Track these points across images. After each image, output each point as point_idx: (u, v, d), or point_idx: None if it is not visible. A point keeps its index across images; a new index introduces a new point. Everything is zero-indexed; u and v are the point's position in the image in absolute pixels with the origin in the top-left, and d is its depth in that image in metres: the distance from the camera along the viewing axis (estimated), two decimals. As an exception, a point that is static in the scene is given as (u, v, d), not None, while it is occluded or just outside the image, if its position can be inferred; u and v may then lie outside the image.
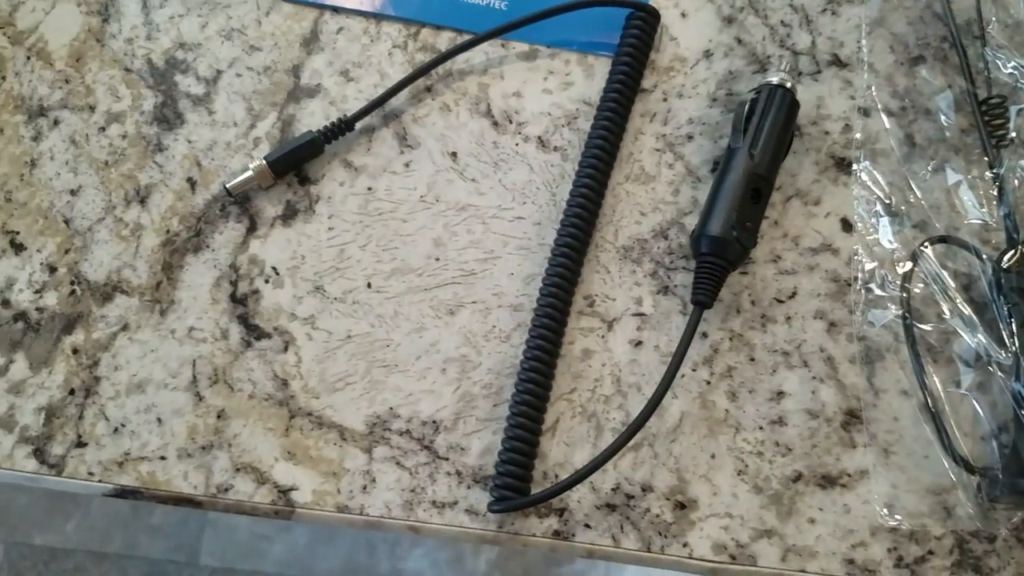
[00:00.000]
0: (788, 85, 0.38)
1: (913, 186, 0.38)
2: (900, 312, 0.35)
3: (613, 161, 0.39)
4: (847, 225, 0.38)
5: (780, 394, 0.36)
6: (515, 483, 0.34)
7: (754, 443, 0.35)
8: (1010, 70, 0.39)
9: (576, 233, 0.37)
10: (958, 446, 0.33)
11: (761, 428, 0.35)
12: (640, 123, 0.40)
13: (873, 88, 0.39)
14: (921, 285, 0.36)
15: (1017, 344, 0.33)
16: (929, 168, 0.38)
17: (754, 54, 0.41)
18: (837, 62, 0.41)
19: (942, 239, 0.36)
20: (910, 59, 0.40)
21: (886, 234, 0.37)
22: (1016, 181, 0.37)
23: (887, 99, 0.40)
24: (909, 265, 0.36)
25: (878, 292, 0.36)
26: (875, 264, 0.36)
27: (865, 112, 0.39)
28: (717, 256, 0.36)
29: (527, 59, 0.42)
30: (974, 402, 0.33)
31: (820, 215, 0.38)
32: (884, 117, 0.39)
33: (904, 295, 0.35)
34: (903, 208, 0.37)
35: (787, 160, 0.39)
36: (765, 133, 0.37)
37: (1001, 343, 0.34)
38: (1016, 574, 0.33)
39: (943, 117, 0.39)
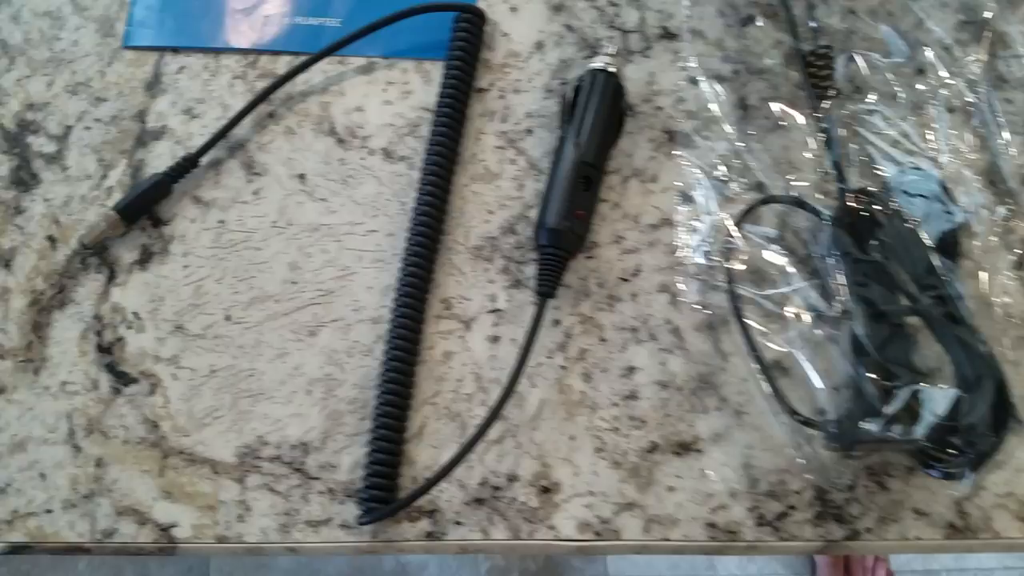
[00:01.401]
0: (609, 69, 0.38)
1: (748, 149, 0.39)
2: (731, 278, 0.36)
3: (454, 164, 0.40)
4: (686, 197, 0.39)
5: (631, 369, 0.37)
6: (381, 493, 0.35)
7: (610, 420, 0.36)
8: (838, 19, 0.40)
9: (423, 240, 0.38)
10: (794, 402, 0.34)
11: (616, 405, 0.36)
12: (480, 123, 0.41)
13: (699, 57, 0.40)
14: (761, 247, 0.37)
15: (845, 296, 0.34)
16: (764, 129, 0.39)
17: (585, 39, 0.42)
18: (667, 35, 0.41)
19: (768, 200, 0.37)
20: (740, 21, 0.41)
21: (720, 201, 0.38)
22: (843, 130, 0.37)
23: (718, 65, 0.40)
24: (735, 231, 0.37)
25: (714, 260, 0.37)
26: (706, 232, 0.37)
27: (694, 81, 0.40)
28: (554, 247, 0.37)
29: (365, 73, 0.43)
30: (802, 357, 0.34)
31: (658, 191, 0.39)
32: (715, 84, 0.40)
33: (726, 262, 0.36)
34: (738, 173, 0.38)
35: (623, 141, 0.40)
36: (590, 120, 0.38)
37: (831, 296, 0.35)
38: (878, 518, 0.34)
39: (775, 76, 0.40)
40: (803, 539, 0.34)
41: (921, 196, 0.34)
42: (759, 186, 0.38)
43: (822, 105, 0.37)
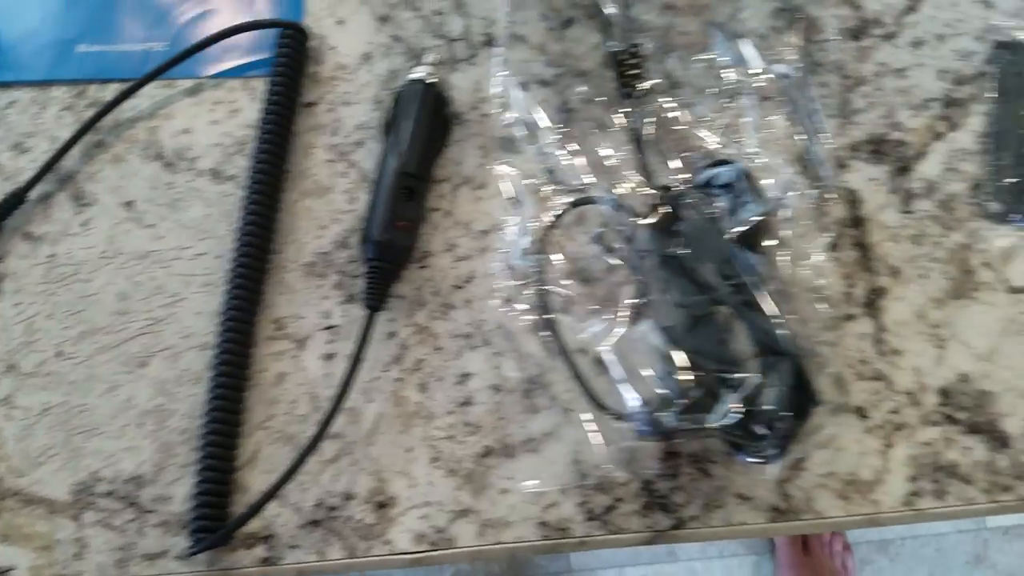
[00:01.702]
0: (427, 79, 0.38)
1: (570, 152, 0.39)
2: (549, 279, 0.36)
3: (280, 181, 0.39)
4: (513, 202, 0.39)
5: (466, 376, 0.37)
6: (210, 523, 0.34)
7: (446, 428, 0.36)
8: (656, 15, 0.40)
9: (247, 260, 0.38)
10: (620, 396, 0.34)
11: (451, 413, 0.36)
12: (311, 137, 0.41)
13: (522, 62, 0.40)
14: (580, 248, 0.37)
15: (654, 292, 0.34)
16: (586, 131, 0.39)
17: (411, 49, 0.42)
18: (491, 42, 0.41)
19: (580, 202, 0.37)
20: (561, 24, 0.41)
21: (543, 205, 0.38)
22: (654, 128, 0.38)
23: (541, 69, 0.41)
24: (554, 233, 0.37)
25: (536, 263, 0.37)
26: (529, 236, 0.37)
27: (519, 86, 0.40)
28: (379, 259, 0.37)
29: (193, 94, 0.42)
30: (618, 353, 0.35)
31: (487, 197, 0.39)
32: (538, 88, 0.40)
33: (542, 265, 0.36)
34: (562, 175, 0.38)
35: (452, 149, 0.40)
36: (409, 131, 0.37)
37: (644, 293, 0.35)
38: (703, 505, 0.35)
39: (595, 78, 0.40)
40: (631, 531, 0.34)
41: (726, 187, 0.35)
42: (582, 188, 0.38)
43: (630, 104, 0.37)
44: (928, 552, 1.18)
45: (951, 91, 0.38)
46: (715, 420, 0.30)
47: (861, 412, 0.35)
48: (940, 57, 0.38)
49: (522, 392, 0.36)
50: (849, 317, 0.36)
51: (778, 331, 0.32)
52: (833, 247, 0.37)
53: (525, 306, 0.37)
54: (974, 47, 0.38)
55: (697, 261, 0.34)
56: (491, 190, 0.39)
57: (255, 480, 0.36)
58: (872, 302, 0.36)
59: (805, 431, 0.33)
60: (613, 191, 0.37)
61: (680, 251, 0.34)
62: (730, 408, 0.30)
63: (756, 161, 0.37)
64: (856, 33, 0.39)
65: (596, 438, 0.35)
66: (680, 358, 0.31)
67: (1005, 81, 0.37)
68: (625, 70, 0.38)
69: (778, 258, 0.35)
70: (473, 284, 0.38)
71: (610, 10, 0.39)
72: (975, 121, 0.37)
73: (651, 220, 0.35)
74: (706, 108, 0.38)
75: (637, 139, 0.37)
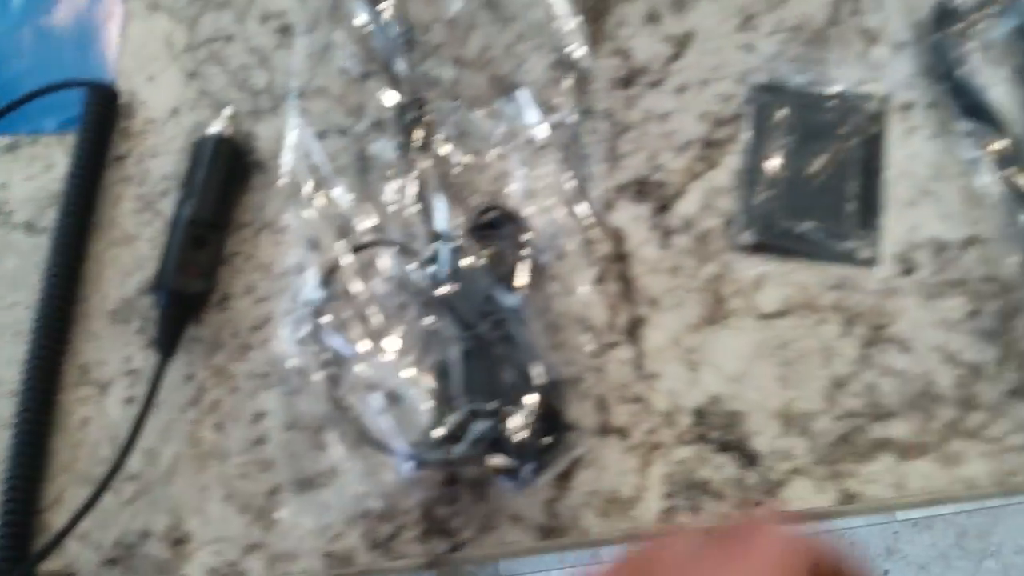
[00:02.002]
0: (223, 132, 0.41)
1: (363, 198, 0.41)
2: (336, 319, 0.39)
3: (85, 231, 0.41)
4: (311, 245, 0.41)
5: (260, 415, 0.39)
6: (10, 564, 0.36)
7: (240, 466, 0.38)
8: (447, 69, 0.43)
9: (50, 309, 0.39)
10: (377, 433, 0.37)
11: (246, 451, 0.38)
12: (120, 189, 0.43)
13: (322, 113, 0.43)
14: (367, 289, 0.40)
15: (426, 331, 0.37)
16: (379, 178, 0.41)
17: (217, 102, 0.44)
18: (296, 94, 0.44)
19: (363, 246, 0.39)
20: (360, 76, 0.44)
21: (337, 248, 0.40)
22: (436, 176, 0.40)
23: (341, 119, 0.43)
24: (342, 273, 0.39)
25: (325, 304, 0.40)
26: (320, 279, 0.39)
27: (318, 136, 0.43)
28: (169, 306, 0.39)
29: (10, 151, 0.44)
30: (393, 389, 0.37)
31: (287, 242, 0.41)
32: (336, 138, 0.43)
33: (326, 307, 0.39)
34: (356, 220, 0.41)
35: (254, 196, 0.42)
36: (201, 182, 0.40)
37: (418, 333, 0.38)
38: (479, 528, 0.37)
39: (388, 129, 0.42)
40: (411, 556, 0.37)
41: (498, 230, 0.38)
42: (376, 230, 0.40)
43: (416, 153, 0.40)
44: (841, 545, 1.23)
45: (710, 133, 0.41)
46: (462, 450, 0.33)
47: (622, 433, 0.37)
48: (702, 101, 0.42)
49: (313, 429, 0.38)
50: (612, 345, 0.38)
51: (532, 364, 0.35)
52: (599, 280, 0.39)
53: (316, 346, 0.39)
54: (734, 90, 0.42)
55: (464, 300, 0.36)
56: (290, 234, 0.41)
57: (60, 521, 0.38)
58: (633, 330, 0.39)
59: (565, 453, 0.36)
60: (397, 236, 0.39)
61: (449, 291, 0.36)
62: (479, 437, 0.33)
63: (529, 205, 0.40)
64: (626, 82, 0.42)
65: (379, 471, 0.37)
66: (434, 392, 0.34)
67: (760, 121, 0.41)
68: (411, 121, 0.41)
69: (548, 293, 0.39)
70: (271, 325, 0.40)
71: (400, 66, 0.42)
72: (731, 160, 0.41)
73: (427, 263, 0.38)
74: (487, 156, 0.41)
75: (420, 186, 0.40)
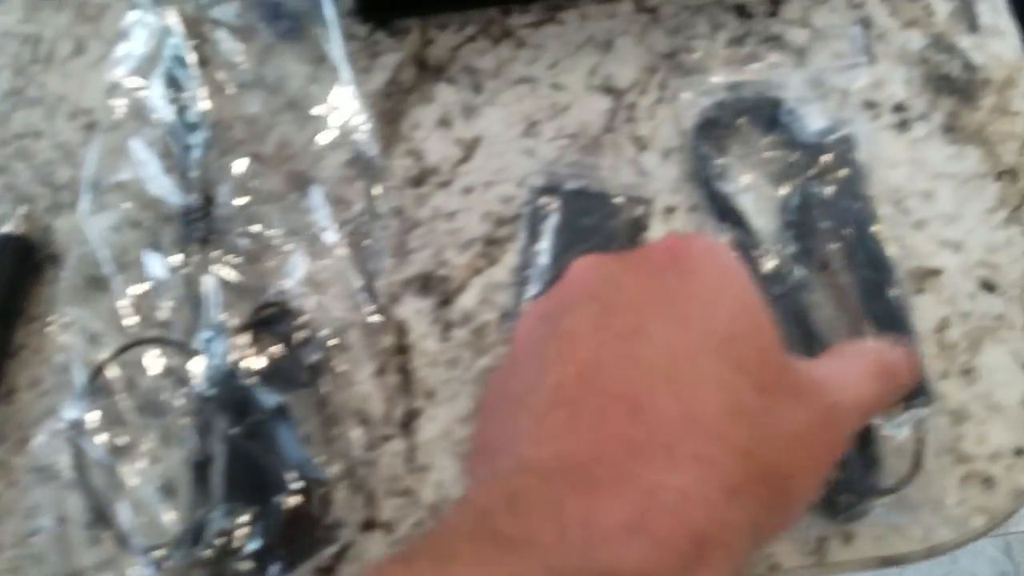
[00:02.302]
0: (9, 232, 0.42)
1: (154, 293, 0.42)
2: (104, 417, 0.40)
3: None
4: (94, 339, 0.42)
5: (35, 508, 0.39)
6: None
7: (10, 560, 0.38)
8: (235, 168, 0.45)
9: None
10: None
11: (17, 545, 0.39)
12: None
13: (116, 207, 0.44)
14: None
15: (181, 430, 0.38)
16: (163, 276, 0.43)
17: (20, 196, 0.45)
18: (91, 189, 0.45)
19: (131, 345, 0.40)
20: (162, 171, 0.45)
21: (113, 343, 0.41)
22: (215, 274, 0.42)
23: (136, 213, 0.44)
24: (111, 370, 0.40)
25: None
26: (87, 374, 0.40)
27: (114, 230, 0.44)
28: (-56, 402, 0.39)
29: None
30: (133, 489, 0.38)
31: (70, 335, 0.42)
32: (129, 230, 0.44)
33: (94, 401, 0.40)
34: (135, 316, 0.42)
35: (49, 289, 0.43)
36: (-13, 277, 0.41)
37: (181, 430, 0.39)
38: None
39: (178, 223, 0.44)
40: (172, 653, 0.37)
41: (270, 325, 0.39)
42: (155, 326, 0.42)
43: (199, 249, 0.42)
44: None
45: (492, 231, 0.44)
46: (201, 553, 0.34)
47: (388, 527, 0.39)
48: (486, 201, 0.44)
49: (85, 523, 0.39)
50: (386, 438, 0.40)
51: (290, 466, 0.36)
52: (379, 373, 0.41)
53: (78, 444, 0.40)
54: (515, 192, 0.44)
55: (231, 399, 0.38)
56: (73, 329, 0.42)
57: None
58: (408, 423, 0.40)
59: (322, 550, 0.37)
60: (175, 332, 0.41)
61: (216, 391, 0.38)
62: (222, 540, 0.34)
63: (313, 299, 0.41)
64: (417, 181, 0.45)
65: (137, 570, 0.38)
66: (189, 493, 0.35)
67: (534, 221, 0.43)
68: (200, 217, 0.42)
69: (326, 387, 0.40)
70: (52, 419, 0.41)
71: (196, 161, 0.44)
72: (510, 257, 0.43)
73: (199, 361, 0.39)
74: (274, 251, 0.42)
75: (201, 282, 0.41)
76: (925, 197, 0.41)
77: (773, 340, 0.25)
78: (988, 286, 0.40)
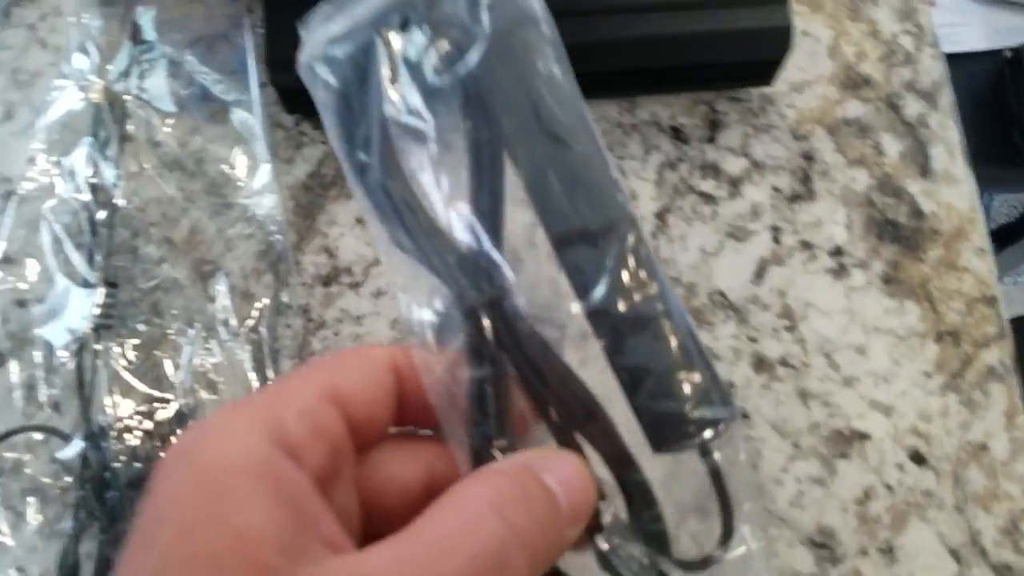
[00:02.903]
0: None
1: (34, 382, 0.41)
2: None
3: None
4: (-20, 419, 0.41)
5: None
6: None
7: None
8: (144, 251, 0.43)
9: None
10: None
11: None
12: None
13: (8, 283, 0.43)
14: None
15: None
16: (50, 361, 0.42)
17: (-73, 260, 0.44)
18: (6, 259, 0.44)
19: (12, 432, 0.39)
20: (74, 246, 0.44)
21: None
22: (104, 365, 0.40)
23: (40, 289, 0.43)
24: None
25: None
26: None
27: (18, 304, 0.43)
28: None
29: None
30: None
31: (-43, 412, 0.41)
32: (23, 310, 0.43)
33: None
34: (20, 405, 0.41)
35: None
36: None
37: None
38: None
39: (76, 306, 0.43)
40: None
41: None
42: (53, 407, 0.40)
43: (87, 340, 0.40)
44: None
45: (399, 339, 0.41)
46: None
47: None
48: (395, 308, 0.42)
49: (-73, 620, 0.37)
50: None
51: None
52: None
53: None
54: (428, 301, 0.42)
55: (97, 501, 0.36)
56: (-38, 407, 0.41)
57: None
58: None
59: None
60: (59, 421, 0.39)
61: (85, 489, 0.36)
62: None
63: (206, 395, 0.40)
64: (327, 280, 0.43)
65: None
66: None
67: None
68: (98, 303, 0.41)
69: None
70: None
71: (102, 241, 0.43)
72: (412, 372, 0.41)
73: (76, 454, 0.37)
74: (172, 343, 0.41)
75: (91, 372, 0.40)
76: (858, 352, 0.38)
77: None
78: (918, 458, 0.36)
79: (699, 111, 0.42)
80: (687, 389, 0.24)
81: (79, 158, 0.44)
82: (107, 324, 0.41)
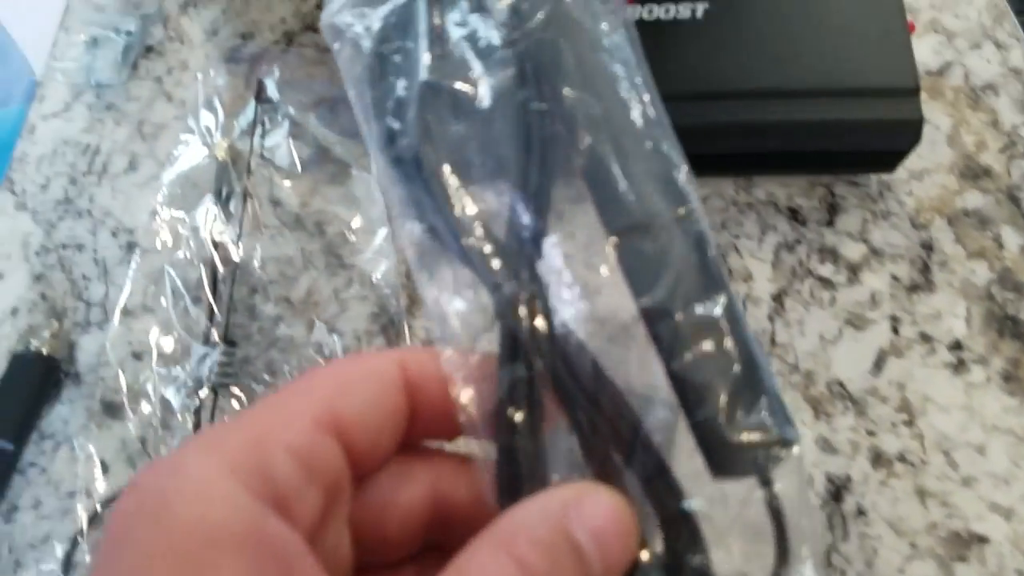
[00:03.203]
0: (37, 349, 0.42)
1: (162, 430, 0.42)
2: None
3: None
4: (105, 468, 0.42)
5: (10, 643, 0.39)
6: None
7: None
8: (261, 309, 0.44)
9: None
10: None
11: None
12: (-58, 382, 0.44)
13: (139, 330, 0.44)
14: None
15: None
16: (180, 410, 0.43)
17: (54, 307, 0.46)
18: (126, 312, 0.45)
19: None
20: (191, 300, 0.46)
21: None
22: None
23: (161, 341, 0.45)
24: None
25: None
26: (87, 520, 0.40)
27: (135, 356, 0.44)
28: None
29: None
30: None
31: (84, 459, 0.42)
32: (147, 360, 0.44)
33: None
34: (153, 450, 0.42)
35: (63, 408, 0.43)
36: (7, 399, 0.41)
37: None
38: None
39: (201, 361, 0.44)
40: None
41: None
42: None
43: (211, 392, 0.42)
44: None
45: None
46: None
47: None
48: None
49: (54, 665, 0.38)
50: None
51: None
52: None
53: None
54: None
55: None
56: (87, 451, 0.42)
57: None
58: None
59: None
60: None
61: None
62: None
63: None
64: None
65: None
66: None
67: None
68: (216, 361, 0.42)
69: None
70: (47, 545, 0.40)
71: (224, 297, 0.44)
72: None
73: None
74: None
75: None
76: (977, 451, 0.38)
77: None
78: (1037, 563, 0.36)
79: (817, 193, 0.43)
80: (757, 411, 0.21)
81: (202, 214, 0.45)
82: (225, 383, 0.43)
